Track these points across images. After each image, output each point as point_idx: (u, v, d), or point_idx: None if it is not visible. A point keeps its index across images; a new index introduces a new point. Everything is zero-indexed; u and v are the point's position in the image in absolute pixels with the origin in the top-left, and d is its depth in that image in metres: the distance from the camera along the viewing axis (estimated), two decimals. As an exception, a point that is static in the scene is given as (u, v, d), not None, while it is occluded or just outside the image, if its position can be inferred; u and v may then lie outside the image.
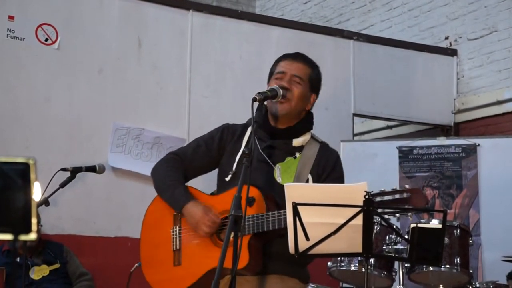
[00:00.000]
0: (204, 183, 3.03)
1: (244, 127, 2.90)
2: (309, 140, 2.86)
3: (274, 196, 2.69)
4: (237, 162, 2.78)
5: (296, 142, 2.83)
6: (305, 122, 2.87)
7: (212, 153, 2.88)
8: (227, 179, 2.79)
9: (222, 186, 2.81)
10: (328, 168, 2.81)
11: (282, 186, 2.66)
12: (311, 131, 2.90)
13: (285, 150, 2.82)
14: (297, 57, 2.91)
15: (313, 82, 2.90)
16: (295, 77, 2.83)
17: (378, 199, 2.55)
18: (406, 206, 2.54)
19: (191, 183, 2.93)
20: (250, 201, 2.62)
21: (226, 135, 2.88)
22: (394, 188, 2.57)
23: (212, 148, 2.88)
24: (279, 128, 2.83)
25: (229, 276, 2.67)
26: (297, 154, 2.81)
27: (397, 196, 2.55)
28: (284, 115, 2.80)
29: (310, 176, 2.78)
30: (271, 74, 2.90)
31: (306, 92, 2.85)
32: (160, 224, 2.87)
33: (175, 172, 2.85)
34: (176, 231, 2.81)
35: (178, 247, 2.79)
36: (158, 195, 2.88)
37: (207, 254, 2.70)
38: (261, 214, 2.64)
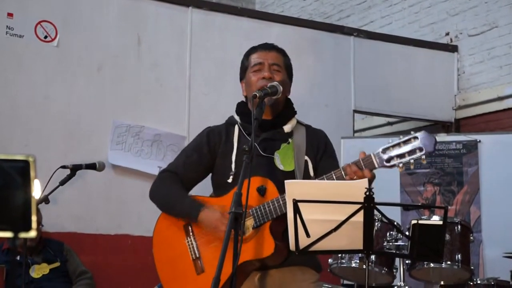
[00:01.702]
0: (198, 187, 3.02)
1: (226, 126, 2.90)
2: (296, 125, 2.89)
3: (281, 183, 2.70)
4: (235, 162, 2.79)
5: (287, 128, 2.86)
6: (289, 108, 2.90)
7: (204, 160, 2.87)
8: (229, 180, 2.78)
9: (223, 188, 2.80)
10: (321, 148, 2.86)
11: (286, 173, 2.73)
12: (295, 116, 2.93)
13: (279, 138, 2.84)
14: (270, 47, 2.93)
15: (288, 69, 2.93)
16: (273, 66, 2.85)
17: (393, 153, 2.57)
18: (418, 152, 2.54)
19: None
20: (262, 190, 2.66)
21: (213, 139, 2.87)
22: (401, 137, 2.58)
23: (203, 154, 2.87)
24: (268, 120, 2.83)
25: (261, 272, 2.72)
26: (290, 140, 2.84)
27: (407, 144, 2.56)
28: (271, 105, 2.80)
29: (307, 158, 2.81)
30: (244, 68, 2.90)
31: (286, 78, 2.88)
32: (172, 240, 2.84)
33: (175, 186, 2.84)
34: (190, 240, 2.79)
35: (197, 255, 2.77)
36: (165, 212, 2.86)
37: (228, 253, 2.67)
38: (276, 198, 2.66)
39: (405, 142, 2.57)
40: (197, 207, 2.74)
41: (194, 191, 2.94)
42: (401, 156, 2.56)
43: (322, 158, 2.83)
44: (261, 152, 2.78)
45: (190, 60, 5.30)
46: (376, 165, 2.59)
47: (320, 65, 5.60)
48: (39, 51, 4.85)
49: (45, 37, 4.88)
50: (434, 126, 6.31)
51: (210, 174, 2.91)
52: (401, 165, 2.57)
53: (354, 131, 5.98)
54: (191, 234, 2.80)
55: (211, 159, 2.86)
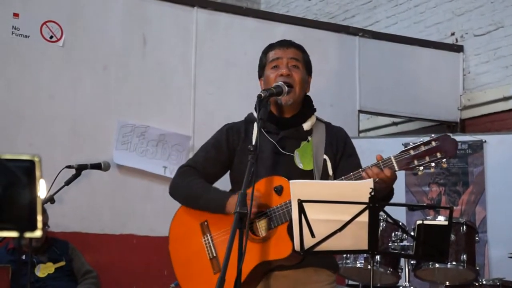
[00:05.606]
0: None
1: (245, 123, 2.89)
2: (315, 122, 2.87)
3: None
4: None
5: (306, 126, 2.84)
6: (308, 106, 2.88)
7: (223, 157, 2.85)
8: None
9: (241, 185, 2.75)
10: (340, 147, 2.82)
11: (305, 172, 2.71)
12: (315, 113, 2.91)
13: (298, 136, 2.82)
14: (288, 43, 2.91)
15: (307, 64, 2.91)
16: (292, 60, 2.83)
17: (410, 154, 2.52)
18: (439, 155, 2.49)
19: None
20: (279, 190, 2.64)
21: (232, 136, 2.86)
22: (421, 140, 2.52)
23: (222, 151, 2.86)
24: (286, 118, 2.83)
25: (275, 273, 2.70)
26: (309, 138, 2.82)
27: (427, 147, 2.51)
28: (290, 104, 2.79)
29: (326, 157, 2.78)
30: (263, 65, 2.88)
31: (304, 75, 2.86)
32: (188, 237, 2.81)
33: (197, 179, 2.82)
34: (208, 239, 2.77)
35: (214, 255, 2.74)
36: (188, 206, 2.82)
37: (246, 252, 2.57)
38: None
39: (425, 145, 2.52)
40: (224, 197, 2.70)
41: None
42: (421, 159, 2.52)
43: (342, 157, 2.79)
44: (280, 150, 2.77)
45: (195, 60, 5.30)
46: (396, 168, 2.55)
47: (325, 65, 5.59)
48: (44, 51, 4.86)
49: (51, 37, 4.89)
50: (440, 126, 6.30)
51: (229, 172, 2.89)
52: (421, 168, 2.53)
53: (359, 131, 5.97)
54: (208, 233, 2.77)
55: (230, 156, 2.84)
